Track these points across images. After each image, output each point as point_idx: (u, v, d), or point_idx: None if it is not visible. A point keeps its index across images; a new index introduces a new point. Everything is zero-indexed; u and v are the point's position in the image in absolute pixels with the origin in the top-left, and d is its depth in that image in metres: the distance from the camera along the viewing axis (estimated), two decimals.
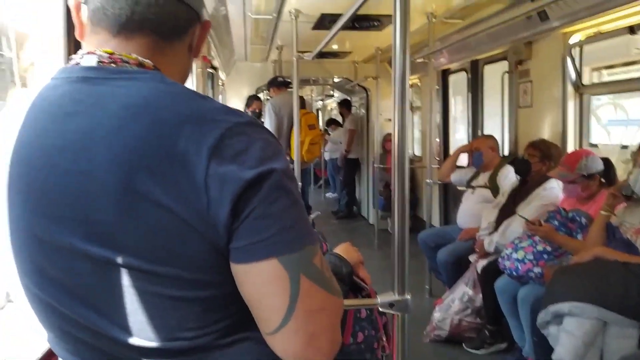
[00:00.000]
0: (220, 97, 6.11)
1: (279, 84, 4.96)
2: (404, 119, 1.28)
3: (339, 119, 8.68)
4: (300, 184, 3.51)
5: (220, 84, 6.01)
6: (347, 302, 1.18)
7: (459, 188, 4.03)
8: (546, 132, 3.42)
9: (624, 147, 3.27)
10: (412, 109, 5.97)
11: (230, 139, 0.62)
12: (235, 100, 6.39)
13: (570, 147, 3.26)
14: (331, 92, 10.24)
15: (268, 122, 4.76)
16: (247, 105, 5.49)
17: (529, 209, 2.92)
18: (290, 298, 0.62)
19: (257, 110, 5.35)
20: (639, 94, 3.27)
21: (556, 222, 2.61)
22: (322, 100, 11.52)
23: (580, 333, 2.03)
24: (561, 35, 3.19)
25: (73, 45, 1.16)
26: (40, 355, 1.05)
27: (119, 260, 0.62)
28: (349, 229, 6.74)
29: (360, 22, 3.88)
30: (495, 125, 4.36)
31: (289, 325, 0.62)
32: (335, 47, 5.25)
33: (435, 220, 4.99)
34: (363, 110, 7.09)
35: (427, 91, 4.50)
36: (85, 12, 0.72)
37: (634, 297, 1.99)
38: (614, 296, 2.03)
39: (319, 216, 2.74)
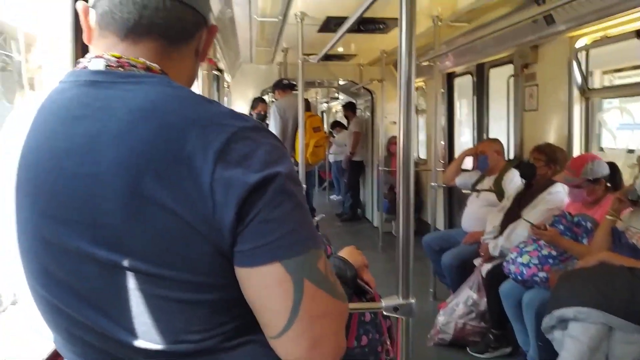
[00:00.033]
0: (225, 99, 6.13)
1: (284, 86, 4.97)
2: (410, 123, 1.28)
3: (344, 121, 8.68)
4: (304, 186, 3.52)
5: (225, 86, 6.02)
6: (351, 305, 1.18)
7: (464, 191, 4.03)
8: (552, 136, 3.41)
9: (630, 151, 3.26)
10: (417, 111, 5.97)
11: (236, 143, 0.62)
12: (241, 103, 6.40)
13: (576, 151, 3.25)
14: (336, 95, 10.26)
15: (273, 124, 4.77)
16: (252, 107, 5.50)
17: (534, 213, 2.91)
18: (294, 302, 0.62)
19: (262, 113, 5.36)
20: None
21: (561, 227, 2.61)
22: (327, 102, 11.53)
23: (585, 338, 2.02)
24: (567, 39, 3.18)
25: (81, 49, 1.17)
26: (45, 356, 1.05)
27: (126, 263, 0.63)
28: (353, 231, 6.73)
29: (366, 24, 3.89)
30: (501, 128, 4.35)
31: (292, 330, 0.62)
32: (340, 49, 5.25)
33: (440, 223, 4.98)
34: (368, 113, 7.09)
35: (433, 94, 4.50)
36: (93, 16, 0.72)
37: None
38: (620, 301, 2.02)
39: (323, 218, 2.74)
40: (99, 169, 0.62)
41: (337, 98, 10.52)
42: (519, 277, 2.60)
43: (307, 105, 5.02)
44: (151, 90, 0.66)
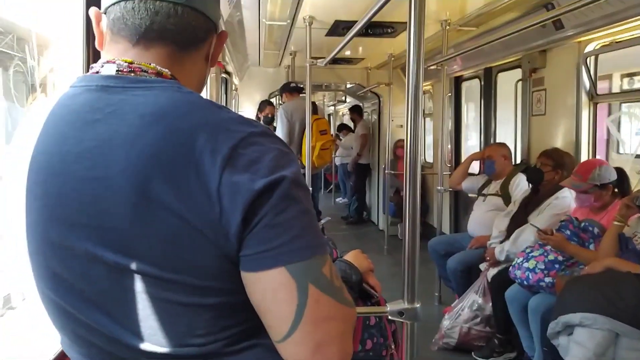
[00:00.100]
0: (233, 102, 6.15)
1: (291, 89, 4.98)
2: (417, 126, 1.28)
3: (351, 124, 8.68)
4: (310, 189, 3.52)
5: (233, 88, 6.04)
6: (357, 309, 1.18)
7: (470, 195, 4.01)
8: (559, 141, 3.40)
9: (638, 156, 3.24)
10: (424, 115, 5.96)
11: (244, 148, 0.63)
12: (248, 105, 6.43)
13: (584, 156, 3.24)
14: (343, 98, 10.26)
15: (280, 127, 4.78)
16: (260, 110, 5.52)
17: (541, 218, 2.90)
18: (298, 306, 0.62)
19: (269, 116, 5.37)
20: None
21: (568, 232, 2.60)
22: (334, 105, 11.53)
23: (591, 344, 2.01)
24: (576, 44, 3.17)
25: (93, 53, 1.19)
26: (52, 357, 1.06)
27: (133, 266, 0.63)
28: (359, 234, 6.73)
29: (374, 28, 3.90)
30: (508, 133, 4.33)
31: (296, 334, 0.63)
32: (348, 53, 5.26)
33: (446, 227, 4.97)
34: (375, 116, 7.09)
35: (440, 98, 4.50)
36: (105, 21, 0.73)
37: None
38: (626, 307, 2.01)
39: (329, 221, 2.75)
40: (108, 172, 0.63)
41: (345, 101, 10.52)
42: (525, 282, 2.59)
43: (314, 108, 5.03)
44: (162, 96, 0.67)
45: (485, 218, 3.51)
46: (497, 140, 4.42)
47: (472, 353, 3.02)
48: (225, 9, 3.18)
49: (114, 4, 0.71)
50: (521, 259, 2.66)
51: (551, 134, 3.49)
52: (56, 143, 0.68)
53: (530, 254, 2.64)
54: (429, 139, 6.00)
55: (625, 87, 3.28)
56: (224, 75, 4.52)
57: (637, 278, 2.06)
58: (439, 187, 4.04)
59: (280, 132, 4.74)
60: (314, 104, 4.91)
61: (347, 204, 8.25)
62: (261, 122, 5.28)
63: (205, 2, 0.74)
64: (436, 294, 3.91)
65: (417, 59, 1.27)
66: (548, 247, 2.60)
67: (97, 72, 0.71)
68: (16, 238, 0.73)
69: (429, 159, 5.97)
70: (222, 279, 0.64)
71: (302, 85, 4.96)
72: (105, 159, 0.64)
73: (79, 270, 0.66)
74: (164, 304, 0.64)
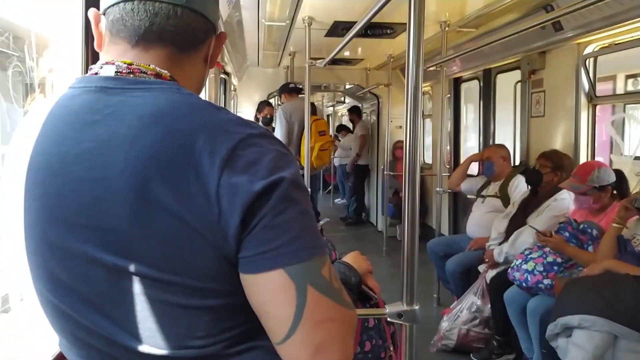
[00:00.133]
0: (232, 102, 6.14)
1: (290, 90, 4.98)
2: (417, 127, 1.28)
3: (350, 125, 8.68)
4: (309, 190, 3.52)
5: (232, 89, 6.04)
6: (356, 311, 1.18)
7: (469, 197, 4.02)
8: (558, 143, 3.40)
9: (637, 158, 3.25)
10: (423, 116, 5.97)
11: (243, 150, 0.62)
12: (247, 106, 6.42)
13: (583, 158, 3.24)
14: (342, 99, 10.26)
15: (279, 127, 4.78)
16: (259, 110, 5.51)
17: (540, 219, 2.90)
18: (297, 308, 0.62)
19: (268, 116, 5.37)
20: None
21: (567, 234, 2.60)
22: (332, 106, 11.54)
23: (590, 346, 2.01)
24: (575, 45, 3.18)
25: (92, 54, 1.18)
26: (50, 359, 1.06)
27: (131, 268, 0.63)
28: (358, 235, 6.73)
29: (373, 29, 3.90)
30: (507, 134, 4.34)
31: (295, 336, 0.62)
32: (347, 53, 5.26)
33: (445, 229, 4.97)
34: (374, 117, 7.10)
35: (439, 99, 4.50)
36: (104, 22, 0.73)
37: None
38: (625, 309, 2.01)
39: (327, 222, 2.74)
40: (107, 174, 0.63)
41: (344, 102, 10.52)
42: (524, 284, 2.59)
43: (313, 109, 5.02)
44: (161, 97, 0.67)
45: (484, 219, 3.51)
46: (496, 142, 4.43)
47: (471, 355, 3.02)
48: (224, 9, 3.17)
49: (113, 5, 0.70)
50: (520, 260, 2.66)
51: (550, 136, 3.49)
52: (55, 144, 0.67)
53: (529, 256, 2.64)
54: (428, 140, 6.00)
55: (630, 88, 3.27)
56: (223, 75, 4.52)
57: (636, 280, 2.06)
58: (438, 189, 4.05)
59: (279, 132, 4.74)
60: (312, 104, 4.91)
61: (345, 205, 8.25)
62: (260, 122, 5.28)
63: (204, 3, 0.74)
64: (435, 296, 3.91)
65: (417, 60, 1.27)
66: (547, 249, 2.60)
67: (96, 74, 0.71)
68: (15, 239, 0.72)
69: (428, 160, 5.97)
70: (221, 280, 0.64)
71: (301, 86, 4.97)
72: (104, 160, 0.63)
73: (78, 272, 0.66)
74: (163, 306, 0.64)
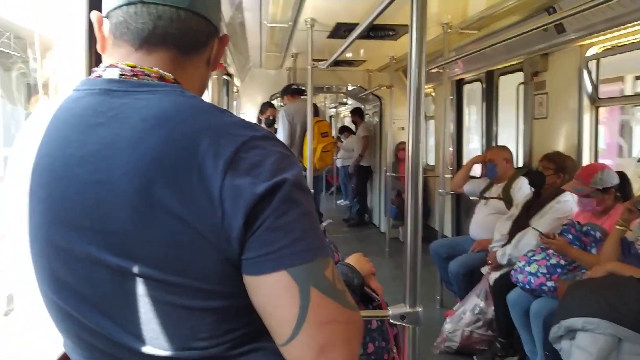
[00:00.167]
0: (234, 103, 6.15)
1: (293, 91, 4.99)
2: (419, 129, 1.28)
3: (352, 126, 8.69)
4: (311, 191, 3.52)
5: (235, 90, 6.05)
6: None
7: (472, 198, 4.01)
8: (561, 145, 3.40)
9: None
10: (426, 118, 5.96)
11: (246, 152, 0.63)
12: (250, 107, 6.43)
13: (586, 159, 3.24)
14: (345, 100, 10.27)
15: (281, 129, 4.79)
16: (261, 112, 5.52)
17: (543, 221, 2.90)
18: (300, 310, 0.62)
19: (271, 118, 5.38)
20: None
21: (570, 236, 2.59)
22: (335, 108, 11.55)
23: (593, 349, 2.00)
24: (578, 47, 3.17)
25: (95, 57, 1.18)
26: (55, 359, 1.06)
27: (135, 269, 0.63)
28: (360, 236, 6.72)
29: (376, 31, 3.90)
30: (510, 136, 4.33)
31: (299, 337, 0.62)
32: (349, 55, 5.27)
33: (447, 230, 4.97)
34: (376, 119, 7.10)
35: (442, 101, 4.50)
36: (107, 25, 0.73)
37: None
38: (629, 312, 2.00)
39: (330, 224, 2.75)
40: (111, 176, 0.63)
41: (346, 103, 10.54)
42: (527, 286, 2.58)
43: (316, 111, 5.04)
44: (164, 100, 0.67)
45: (487, 221, 3.50)
46: (499, 144, 4.42)
47: (474, 357, 3.02)
48: (227, 11, 3.19)
49: (116, 8, 0.71)
50: (523, 262, 2.65)
51: (553, 138, 3.49)
52: (59, 146, 0.68)
53: (532, 258, 2.64)
54: (431, 142, 6.00)
55: (638, 90, 3.25)
56: (225, 77, 4.53)
57: None
58: (441, 190, 4.04)
59: (281, 134, 4.75)
60: (315, 106, 4.92)
61: (348, 206, 8.25)
62: (262, 124, 5.28)
63: (207, 6, 0.74)
64: (438, 297, 3.91)
65: (419, 62, 1.27)
66: (550, 251, 2.60)
67: (100, 76, 0.71)
68: (15, 239, 0.73)
69: (431, 161, 5.97)
70: (225, 282, 0.64)
71: (303, 88, 4.97)
72: (108, 163, 0.64)
73: (82, 274, 0.66)
74: (166, 307, 0.64)
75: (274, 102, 6.38)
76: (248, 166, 0.62)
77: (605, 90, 3.31)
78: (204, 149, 0.61)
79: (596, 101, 3.23)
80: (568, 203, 2.92)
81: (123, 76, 0.69)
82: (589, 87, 3.22)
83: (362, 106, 7.98)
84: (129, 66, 0.70)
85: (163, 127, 0.63)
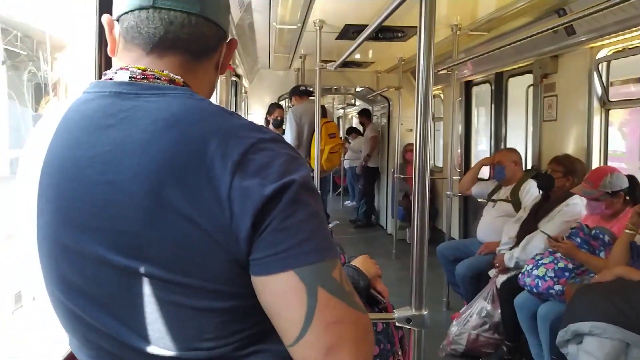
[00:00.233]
0: (243, 104, 6.17)
1: (301, 92, 4.99)
2: (427, 131, 1.28)
3: (360, 127, 8.68)
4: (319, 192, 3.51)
5: (243, 91, 6.07)
6: None
7: (480, 201, 3.99)
8: (570, 147, 3.38)
9: None
10: (434, 119, 5.94)
11: (254, 154, 0.63)
12: (258, 108, 6.45)
13: (595, 163, 3.21)
14: (352, 101, 10.27)
15: (289, 130, 4.79)
16: (269, 113, 5.53)
17: (551, 224, 2.88)
18: (308, 310, 0.62)
19: (278, 118, 5.38)
20: None
21: (579, 239, 2.57)
22: (343, 109, 11.54)
23: (601, 354, 1.98)
24: (588, 50, 3.15)
25: (105, 59, 1.19)
26: (61, 358, 1.07)
27: (142, 269, 0.64)
28: (367, 238, 6.71)
29: (384, 32, 3.89)
30: (519, 138, 4.31)
31: (306, 337, 0.62)
32: (357, 56, 5.26)
33: (455, 232, 4.94)
34: (384, 120, 7.09)
35: (450, 102, 4.48)
36: (117, 28, 0.74)
37: None
38: (637, 317, 1.98)
39: (337, 225, 2.75)
40: (121, 177, 0.64)
41: (354, 104, 10.53)
42: (534, 290, 2.57)
43: (323, 112, 5.03)
44: (174, 102, 0.67)
45: (495, 224, 3.49)
46: (508, 146, 4.40)
47: None
48: (236, 12, 3.20)
49: (127, 12, 0.71)
50: (531, 266, 2.64)
51: (562, 140, 3.46)
52: (70, 148, 0.68)
53: (540, 261, 2.62)
54: (439, 144, 5.98)
55: None
56: (234, 78, 4.55)
57: None
58: (449, 192, 4.03)
59: (289, 135, 4.76)
60: (323, 107, 4.91)
61: (355, 207, 8.24)
62: (270, 124, 5.29)
63: (217, 11, 0.75)
64: (445, 300, 3.89)
65: (427, 63, 1.27)
66: (558, 255, 2.58)
67: (111, 79, 0.72)
68: (25, 240, 0.73)
69: (439, 163, 5.95)
70: (232, 283, 0.65)
71: (311, 89, 4.97)
72: (118, 164, 0.64)
73: (89, 274, 0.67)
74: (172, 307, 0.65)
75: (282, 103, 6.38)
76: (256, 168, 0.62)
77: (621, 92, 3.29)
78: (212, 150, 0.62)
79: (606, 104, 3.21)
80: (577, 206, 2.90)
81: (133, 79, 0.70)
82: (599, 90, 3.19)
83: (370, 107, 7.97)
84: (140, 69, 0.71)
85: (173, 130, 0.64)
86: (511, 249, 3.04)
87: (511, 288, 2.81)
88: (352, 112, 11.53)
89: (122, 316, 0.67)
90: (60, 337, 0.77)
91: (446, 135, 5.30)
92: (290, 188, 0.62)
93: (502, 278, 3.00)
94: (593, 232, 2.57)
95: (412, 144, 1.31)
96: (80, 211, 0.66)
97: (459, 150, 4.75)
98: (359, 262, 1.23)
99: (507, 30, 3.54)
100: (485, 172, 4.10)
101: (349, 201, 9.53)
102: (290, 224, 0.62)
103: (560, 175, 2.99)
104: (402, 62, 5.19)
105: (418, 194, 1.29)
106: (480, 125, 5.30)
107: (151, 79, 0.70)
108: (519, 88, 4.25)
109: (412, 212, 1.30)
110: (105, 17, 0.76)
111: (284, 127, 5.26)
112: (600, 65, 3.16)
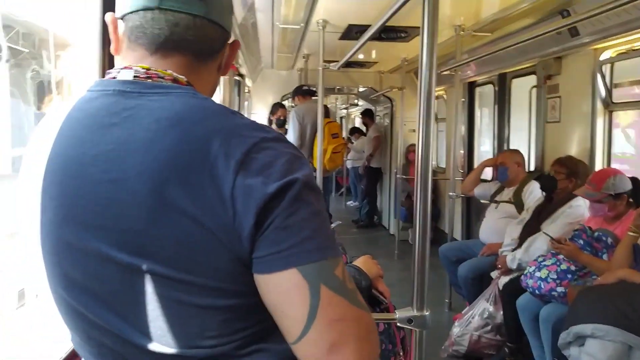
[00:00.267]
0: (246, 104, 6.18)
1: (304, 92, 4.99)
2: (429, 132, 1.28)
3: (363, 128, 8.68)
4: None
5: (246, 91, 6.08)
6: None
7: (483, 202, 3.99)
8: (574, 149, 3.37)
9: None
10: (437, 120, 5.94)
11: (257, 153, 0.63)
12: (261, 107, 6.46)
13: (598, 164, 3.20)
14: (356, 101, 10.27)
15: (292, 130, 4.79)
16: (272, 112, 5.54)
17: (554, 226, 2.87)
18: (310, 308, 0.62)
19: (281, 118, 5.39)
20: None
21: (581, 241, 2.57)
22: (346, 109, 11.54)
23: (603, 356, 1.98)
24: (592, 51, 3.14)
25: (108, 58, 1.20)
26: (64, 355, 1.07)
27: (145, 267, 0.64)
28: (369, 238, 6.71)
29: (387, 33, 3.89)
30: (522, 139, 4.30)
31: (309, 335, 0.63)
32: (361, 56, 5.26)
33: (457, 233, 4.94)
34: (387, 120, 7.08)
35: (453, 103, 4.48)
36: (121, 27, 0.74)
37: None
38: (639, 319, 1.98)
39: (339, 225, 2.75)
40: (124, 175, 0.64)
41: (357, 105, 10.53)
42: (537, 291, 2.57)
43: (326, 112, 5.04)
44: (177, 101, 0.68)
45: (498, 225, 3.48)
46: (511, 147, 4.39)
47: None
48: (239, 12, 3.20)
49: (132, 12, 0.72)
50: (533, 267, 2.63)
51: (565, 142, 3.45)
52: (73, 146, 0.69)
53: (542, 263, 2.62)
54: (442, 144, 5.97)
55: None
56: (237, 77, 4.55)
57: None
58: (451, 193, 4.02)
59: (291, 134, 4.76)
60: (326, 107, 4.92)
61: (358, 207, 8.24)
62: (273, 124, 5.30)
63: (221, 14, 0.75)
64: (447, 301, 3.89)
65: (430, 64, 1.27)
66: (561, 257, 2.58)
67: (114, 78, 0.72)
68: (27, 238, 0.74)
69: (442, 164, 5.94)
70: (235, 281, 0.65)
71: (314, 89, 4.97)
72: (122, 162, 0.65)
73: (92, 271, 0.67)
74: (175, 305, 0.65)
75: (285, 102, 6.39)
76: (259, 166, 0.63)
77: (619, 94, 3.28)
78: (215, 149, 0.62)
79: (610, 105, 3.20)
80: (580, 208, 2.89)
81: (137, 78, 0.70)
82: (602, 91, 3.18)
83: (372, 108, 7.97)
84: (144, 68, 0.71)
85: (176, 129, 0.64)
86: (514, 250, 3.04)
87: (513, 289, 2.81)
88: (355, 112, 11.52)
89: (124, 313, 0.67)
90: (61, 337, 0.77)
91: (449, 136, 5.29)
92: (293, 186, 0.63)
93: (505, 279, 2.99)
94: (596, 234, 2.56)
95: (415, 145, 1.31)
96: (83, 209, 0.66)
97: (462, 151, 4.75)
98: (360, 262, 1.22)
99: (511, 31, 3.53)
100: (488, 173, 4.10)
101: (351, 201, 9.53)
102: (292, 222, 0.62)
103: (563, 177, 2.99)
104: (405, 63, 5.19)
105: (420, 195, 1.29)
106: (483, 126, 5.29)
107: (155, 78, 0.70)
108: (522, 89, 4.24)
109: (414, 213, 1.30)
110: (108, 16, 0.76)
111: (286, 126, 5.26)
112: (604, 67, 3.16)
